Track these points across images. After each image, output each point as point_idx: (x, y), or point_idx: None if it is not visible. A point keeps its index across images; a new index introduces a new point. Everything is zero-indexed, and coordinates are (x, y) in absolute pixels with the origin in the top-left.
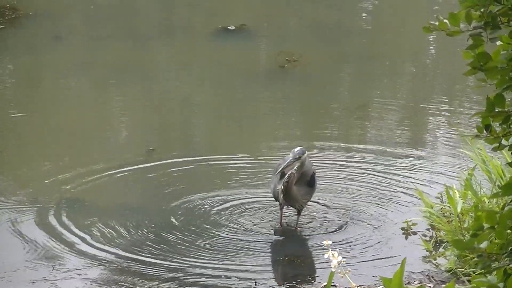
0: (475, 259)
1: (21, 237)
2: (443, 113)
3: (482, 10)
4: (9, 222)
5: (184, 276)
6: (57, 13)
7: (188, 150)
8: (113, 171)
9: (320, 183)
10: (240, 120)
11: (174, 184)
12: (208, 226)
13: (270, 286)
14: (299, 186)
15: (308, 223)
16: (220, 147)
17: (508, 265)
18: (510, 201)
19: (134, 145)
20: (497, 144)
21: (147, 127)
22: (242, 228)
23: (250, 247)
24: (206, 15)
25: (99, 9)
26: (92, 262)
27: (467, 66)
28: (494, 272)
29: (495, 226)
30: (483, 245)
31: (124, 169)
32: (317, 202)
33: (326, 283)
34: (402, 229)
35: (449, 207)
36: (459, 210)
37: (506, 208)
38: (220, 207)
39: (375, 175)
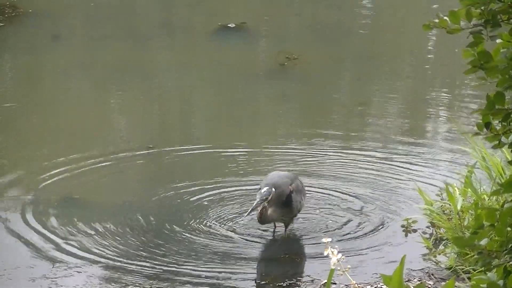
0: (475, 256)
1: (21, 235)
2: (443, 112)
3: (482, 8)
4: (9, 220)
5: (184, 274)
6: (57, 12)
7: (188, 150)
8: (113, 170)
9: (319, 182)
10: (240, 118)
11: (174, 183)
12: (208, 224)
13: (270, 284)
14: (275, 208)
15: (307, 221)
16: (220, 147)
17: (508, 262)
18: (511, 200)
19: (134, 145)
20: (497, 142)
21: (147, 127)
22: (242, 226)
23: (250, 245)
24: (206, 15)
25: (99, 8)
26: (92, 260)
27: (467, 65)
28: (494, 270)
29: (495, 224)
30: (483, 242)
31: (124, 168)
32: (317, 201)
33: (326, 281)
34: (402, 226)
35: (449, 205)
36: (459, 207)
37: (506, 206)
38: (220, 206)
39: (374, 173)
